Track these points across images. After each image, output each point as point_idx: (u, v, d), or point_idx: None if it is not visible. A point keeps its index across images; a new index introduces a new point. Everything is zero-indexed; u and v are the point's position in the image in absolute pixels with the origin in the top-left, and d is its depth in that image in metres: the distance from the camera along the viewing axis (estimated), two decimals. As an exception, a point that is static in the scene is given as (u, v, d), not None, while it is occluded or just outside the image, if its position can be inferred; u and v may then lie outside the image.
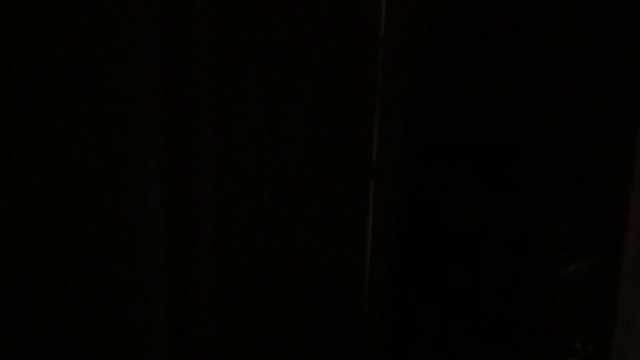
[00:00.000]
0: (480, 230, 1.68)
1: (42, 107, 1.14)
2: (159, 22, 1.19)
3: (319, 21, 1.61)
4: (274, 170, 1.52)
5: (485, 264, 1.66)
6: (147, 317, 1.33)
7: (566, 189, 1.72)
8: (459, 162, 1.83)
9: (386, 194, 1.86)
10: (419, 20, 1.85)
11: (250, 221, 1.51)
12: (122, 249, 1.27)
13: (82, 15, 1.14)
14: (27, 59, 1.11)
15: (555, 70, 1.70)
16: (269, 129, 1.51)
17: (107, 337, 1.29)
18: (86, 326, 1.28)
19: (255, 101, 1.48)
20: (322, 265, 1.69)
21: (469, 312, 1.69)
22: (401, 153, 1.86)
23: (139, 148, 1.24)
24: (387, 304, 1.72)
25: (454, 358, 1.71)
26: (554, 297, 1.58)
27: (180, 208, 1.34)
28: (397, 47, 1.89)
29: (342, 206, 1.80)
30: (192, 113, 1.32)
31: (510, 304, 1.63)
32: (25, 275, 1.21)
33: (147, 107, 1.23)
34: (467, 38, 1.93)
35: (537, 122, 1.78)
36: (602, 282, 1.62)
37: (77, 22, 1.13)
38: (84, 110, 1.18)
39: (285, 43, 1.50)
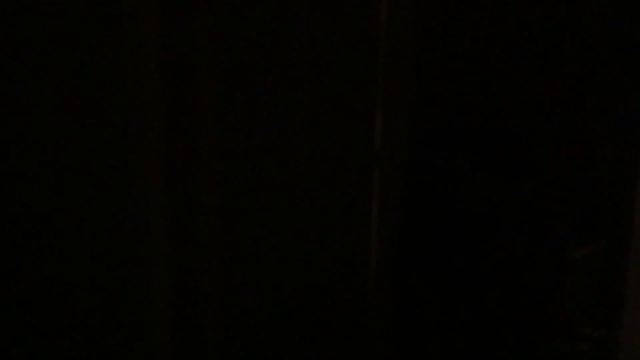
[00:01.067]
0: (489, 217, 1.67)
1: (45, 109, 1.12)
2: (160, 23, 1.17)
3: (320, 11, 1.58)
4: (276, 162, 1.50)
5: (494, 250, 1.66)
6: (152, 317, 1.31)
7: (575, 175, 1.72)
8: (467, 148, 1.82)
9: (391, 182, 1.84)
10: (421, 5, 1.83)
11: (254, 214, 1.50)
12: (127, 250, 1.25)
13: (83, 17, 1.12)
14: (33, 61, 1.09)
15: (566, 57, 1.69)
16: (270, 121, 1.49)
17: (112, 336, 1.28)
18: (90, 326, 1.27)
19: (257, 93, 1.45)
20: (328, 258, 1.67)
21: (479, 298, 1.69)
22: (406, 141, 1.84)
23: (142, 147, 1.22)
24: (394, 292, 1.72)
25: (465, 343, 1.70)
26: (563, 282, 1.58)
27: (185, 206, 1.32)
28: (399, 34, 1.86)
29: (346, 197, 1.79)
30: (194, 109, 1.31)
31: (520, 289, 1.63)
32: (31, 274, 1.19)
33: (150, 107, 1.21)
34: (475, 22, 1.91)
35: (547, 110, 1.77)
36: (610, 267, 1.62)
37: (78, 24, 1.12)
38: (87, 112, 1.16)
39: (286, 35, 1.48)
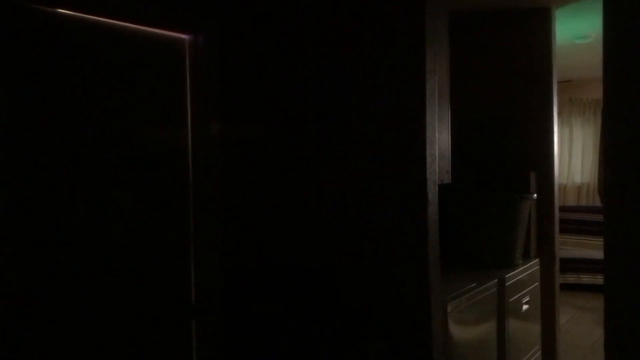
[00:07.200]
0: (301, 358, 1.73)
1: None
2: None
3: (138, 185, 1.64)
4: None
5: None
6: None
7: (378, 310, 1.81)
8: (280, 293, 1.87)
9: (209, 334, 1.87)
10: (226, 161, 1.92)
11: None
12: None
13: None
14: None
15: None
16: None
17: None
18: None
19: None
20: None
21: None
22: (221, 292, 1.88)
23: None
24: None
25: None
26: None
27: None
28: (205, 190, 1.94)
29: (164, 350, 1.79)
30: None
31: None
32: None
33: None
34: (268, 171, 2.01)
35: (352, 244, 1.86)
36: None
37: None
38: None
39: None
